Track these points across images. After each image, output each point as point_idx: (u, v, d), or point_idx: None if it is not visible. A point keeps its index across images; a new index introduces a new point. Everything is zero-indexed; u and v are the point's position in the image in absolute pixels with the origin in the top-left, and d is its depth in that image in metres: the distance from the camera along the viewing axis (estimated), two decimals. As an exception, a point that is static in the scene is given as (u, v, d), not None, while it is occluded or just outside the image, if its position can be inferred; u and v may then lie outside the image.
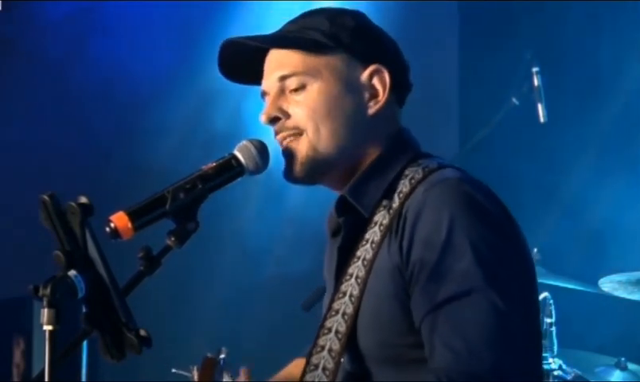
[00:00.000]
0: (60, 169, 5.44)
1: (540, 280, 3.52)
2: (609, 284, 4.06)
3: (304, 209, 5.06)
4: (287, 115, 2.24)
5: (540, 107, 4.55)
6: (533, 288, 2.16)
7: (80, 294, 1.79)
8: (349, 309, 2.15)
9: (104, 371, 5.33)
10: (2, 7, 5.57)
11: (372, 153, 2.25)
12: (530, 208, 4.94)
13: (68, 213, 1.81)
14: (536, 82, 4.55)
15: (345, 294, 2.17)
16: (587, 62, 5.25)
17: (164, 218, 1.99)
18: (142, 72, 5.60)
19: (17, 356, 5.34)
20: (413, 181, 2.17)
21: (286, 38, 2.28)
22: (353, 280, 2.16)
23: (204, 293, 5.66)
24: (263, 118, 2.26)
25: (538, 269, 3.26)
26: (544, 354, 3.99)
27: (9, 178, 5.58)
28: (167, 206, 1.98)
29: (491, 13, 5.43)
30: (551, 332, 4.02)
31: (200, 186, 2.04)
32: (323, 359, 2.15)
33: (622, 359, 4.17)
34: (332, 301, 2.19)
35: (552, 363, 4.01)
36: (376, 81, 2.26)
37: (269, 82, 2.27)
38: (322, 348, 2.16)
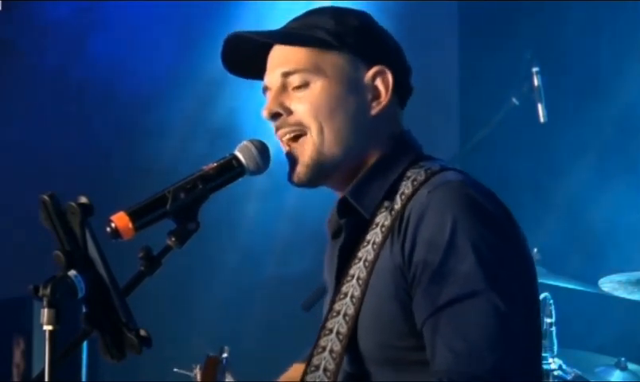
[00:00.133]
0: (60, 169, 5.44)
1: (540, 280, 3.51)
2: (609, 284, 4.06)
3: (304, 209, 5.06)
4: (289, 111, 2.23)
5: (540, 107, 4.55)
6: (534, 288, 2.17)
7: (80, 294, 1.79)
8: (351, 311, 2.15)
9: (104, 371, 5.33)
10: (2, 7, 5.57)
11: (374, 154, 2.24)
12: (530, 208, 4.94)
13: (68, 213, 1.81)
14: (536, 82, 4.55)
15: (346, 295, 2.17)
16: (587, 62, 5.25)
17: (165, 218, 1.98)
18: (142, 71, 5.60)
19: (17, 356, 5.34)
20: (415, 183, 2.17)
21: (291, 35, 2.27)
22: (354, 281, 2.16)
23: (204, 293, 5.66)
24: (264, 112, 2.26)
25: (538, 269, 3.26)
26: (544, 354, 3.99)
27: (9, 178, 5.58)
28: (168, 206, 1.98)
29: (491, 13, 5.43)
30: (551, 332, 4.02)
31: (200, 186, 2.04)
32: (324, 360, 2.15)
33: (622, 359, 4.17)
34: (333, 302, 2.19)
35: (552, 363, 4.01)
36: (379, 82, 2.25)
37: (272, 77, 2.27)
38: (323, 349, 2.16)
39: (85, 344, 3.27)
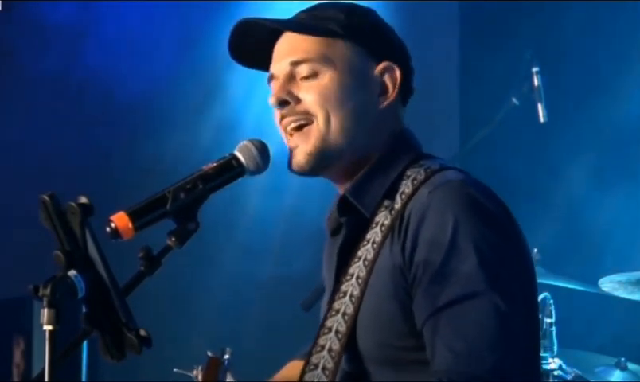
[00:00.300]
0: (60, 169, 5.44)
1: (540, 280, 3.53)
2: (609, 284, 4.06)
3: (304, 209, 5.06)
4: (297, 100, 2.22)
5: (540, 107, 4.55)
6: (533, 288, 2.17)
7: (80, 294, 1.79)
8: (350, 310, 2.15)
9: (104, 371, 5.33)
10: (2, 7, 5.57)
11: (376, 150, 2.24)
12: (530, 207, 4.93)
13: (68, 213, 1.81)
14: (536, 82, 4.55)
15: (345, 293, 2.17)
16: (587, 62, 5.25)
17: (164, 218, 1.98)
18: (142, 71, 5.60)
19: (17, 356, 5.34)
20: (415, 182, 2.17)
21: (302, 24, 2.26)
22: (353, 280, 2.16)
23: (204, 293, 5.66)
24: (271, 100, 2.24)
25: (538, 269, 3.27)
26: (544, 354, 3.99)
27: (9, 178, 5.57)
28: (168, 206, 1.98)
29: (491, 13, 5.43)
30: (551, 332, 4.02)
31: (200, 186, 2.03)
32: (323, 358, 2.15)
33: (622, 359, 4.17)
34: (332, 300, 2.19)
35: (552, 363, 4.01)
36: (387, 78, 2.25)
37: (280, 65, 2.25)
38: (322, 347, 2.16)
39: (85, 344, 3.27)
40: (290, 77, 2.24)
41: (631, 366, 4.17)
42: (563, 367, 4.04)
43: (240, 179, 2.14)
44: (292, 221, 5.45)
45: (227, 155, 2.13)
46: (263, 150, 2.16)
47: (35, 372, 3.99)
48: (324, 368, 2.15)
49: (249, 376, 2.82)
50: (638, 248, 4.88)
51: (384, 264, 2.12)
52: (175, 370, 2.94)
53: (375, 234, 2.16)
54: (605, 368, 4.18)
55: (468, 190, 2.11)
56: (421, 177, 2.17)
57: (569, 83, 5.20)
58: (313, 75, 2.22)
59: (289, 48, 2.25)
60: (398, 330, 2.10)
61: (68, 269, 1.79)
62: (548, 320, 4.01)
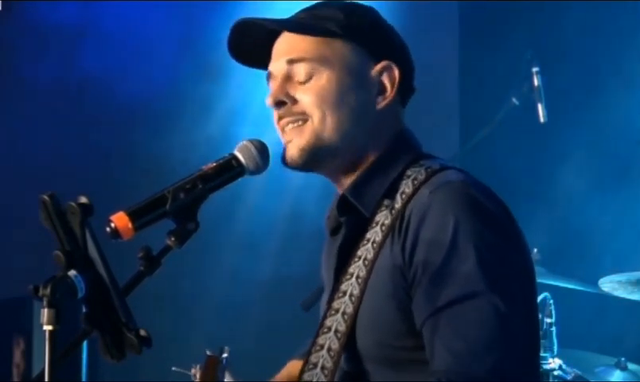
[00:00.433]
0: (60, 169, 5.44)
1: (540, 280, 3.53)
2: (609, 284, 4.06)
3: (304, 209, 5.06)
4: (294, 101, 2.22)
5: (540, 107, 4.54)
6: (533, 288, 2.17)
7: (80, 294, 1.79)
8: (349, 309, 2.15)
9: (104, 371, 5.33)
10: (2, 7, 5.57)
11: (375, 150, 2.24)
12: (530, 207, 4.93)
13: (68, 213, 1.80)
14: (536, 82, 4.54)
15: (345, 293, 2.16)
16: (587, 62, 5.25)
17: (164, 218, 1.98)
18: (142, 71, 5.60)
19: (17, 356, 5.34)
20: (416, 182, 2.16)
21: (300, 23, 2.26)
22: (353, 279, 2.16)
23: (203, 293, 5.66)
24: (268, 100, 2.24)
25: (538, 269, 3.27)
26: (544, 354, 3.99)
27: (9, 178, 5.57)
28: (167, 206, 1.98)
29: (491, 13, 5.43)
30: (551, 332, 4.02)
31: (200, 186, 2.03)
32: (322, 358, 2.15)
33: (622, 359, 4.17)
34: (331, 300, 2.19)
35: (552, 363, 4.01)
36: (385, 77, 2.25)
37: (277, 64, 2.25)
38: (321, 347, 2.16)
39: (85, 344, 3.27)
40: (288, 77, 2.24)
41: (631, 366, 4.17)
42: (563, 367, 4.04)
43: (239, 179, 2.14)
44: (292, 221, 5.45)
45: (226, 155, 2.13)
46: (262, 149, 2.16)
47: (35, 372, 3.99)
48: (323, 368, 2.15)
49: (249, 376, 2.82)
50: (637, 248, 4.88)
51: (384, 264, 2.12)
52: (174, 369, 2.94)
53: (375, 233, 2.16)
54: (605, 368, 4.18)
55: (469, 191, 2.11)
56: (422, 177, 2.17)
57: (569, 83, 5.19)
58: (310, 75, 2.22)
59: (287, 48, 2.25)
60: (397, 330, 2.10)
61: (68, 269, 1.79)
62: (548, 320, 4.01)
